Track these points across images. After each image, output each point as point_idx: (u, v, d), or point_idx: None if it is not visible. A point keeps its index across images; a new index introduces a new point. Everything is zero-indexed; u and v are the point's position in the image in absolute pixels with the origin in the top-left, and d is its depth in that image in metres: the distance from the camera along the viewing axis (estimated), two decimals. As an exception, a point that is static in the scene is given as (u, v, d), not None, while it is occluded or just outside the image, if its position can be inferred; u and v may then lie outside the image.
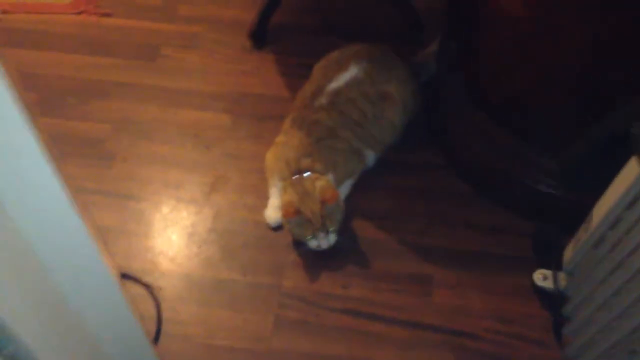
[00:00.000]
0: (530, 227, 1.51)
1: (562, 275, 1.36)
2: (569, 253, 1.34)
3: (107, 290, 0.97)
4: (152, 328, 1.40)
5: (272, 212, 1.53)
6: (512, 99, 1.45)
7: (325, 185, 1.43)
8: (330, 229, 1.43)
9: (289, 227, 1.45)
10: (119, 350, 1.09)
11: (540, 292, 1.40)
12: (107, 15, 1.93)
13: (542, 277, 1.40)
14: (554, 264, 1.38)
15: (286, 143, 1.53)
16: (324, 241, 1.44)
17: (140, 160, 1.66)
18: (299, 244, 1.48)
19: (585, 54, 1.24)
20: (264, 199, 1.56)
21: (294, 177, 1.46)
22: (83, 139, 1.69)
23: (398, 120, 1.58)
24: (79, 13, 1.93)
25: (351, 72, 1.55)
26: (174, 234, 1.54)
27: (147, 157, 1.66)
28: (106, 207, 1.58)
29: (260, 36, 1.86)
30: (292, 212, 1.40)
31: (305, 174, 1.46)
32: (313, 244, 1.44)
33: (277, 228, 1.53)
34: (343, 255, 1.49)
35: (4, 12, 1.93)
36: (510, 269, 1.47)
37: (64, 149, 1.66)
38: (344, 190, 1.55)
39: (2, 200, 0.77)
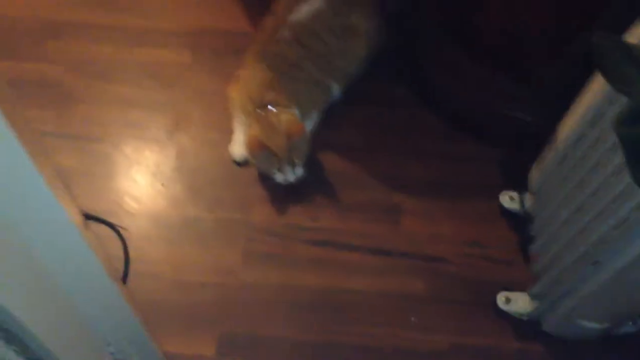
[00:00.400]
0: (499, 154, 1.51)
1: (528, 196, 1.37)
2: (534, 174, 1.34)
3: (66, 232, 0.95)
4: (121, 268, 1.38)
5: (237, 147, 1.51)
6: (482, 25, 1.42)
7: (291, 118, 1.41)
8: (297, 162, 1.41)
9: (255, 161, 1.43)
10: (82, 292, 1.08)
11: (507, 214, 1.41)
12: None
13: (508, 199, 1.40)
14: (520, 186, 1.38)
15: (249, 77, 1.49)
16: (291, 174, 1.43)
17: (99, 102, 1.61)
18: (265, 179, 1.46)
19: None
20: (228, 134, 1.53)
21: (258, 111, 1.43)
22: (39, 82, 1.64)
23: (362, 53, 1.55)
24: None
25: (313, 3, 1.51)
26: (137, 174, 1.52)
27: (106, 98, 1.62)
28: (67, 150, 1.54)
29: None
30: (257, 147, 1.38)
31: (270, 108, 1.43)
32: (280, 177, 1.43)
33: (243, 163, 1.51)
34: (311, 188, 1.48)
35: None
36: (478, 195, 1.47)
37: (19, 92, 1.60)
38: (310, 123, 1.53)
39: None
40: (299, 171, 1.43)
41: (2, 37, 1.70)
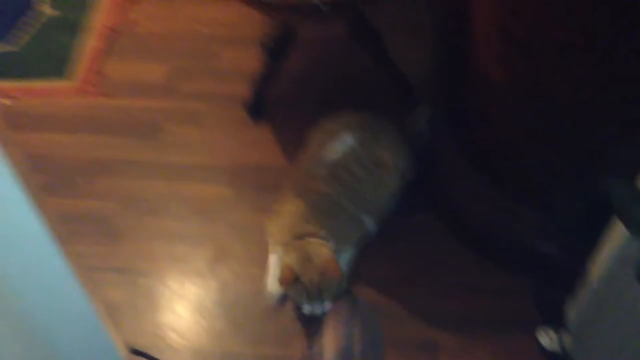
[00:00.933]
0: (531, 287, 1.54)
1: (566, 335, 1.38)
2: (570, 311, 1.36)
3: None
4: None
5: (273, 282, 1.56)
6: (508, 160, 1.49)
7: (329, 256, 1.46)
8: (325, 299, 1.46)
9: (284, 289, 1.48)
10: None
11: (547, 352, 1.41)
12: (110, 96, 2.00)
13: (547, 339, 1.41)
14: (557, 323, 1.40)
15: (287, 211, 1.57)
16: (318, 308, 1.47)
17: (146, 236, 1.70)
18: (299, 308, 1.51)
19: (573, 119, 1.29)
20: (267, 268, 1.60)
21: (296, 241, 1.49)
22: (91, 218, 1.74)
23: (394, 187, 1.63)
24: (83, 95, 2.00)
25: (345, 140, 1.61)
26: (181, 308, 1.58)
27: (153, 233, 1.71)
28: (114, 284, 1.62)
29: (258, 109, 1.93)
30: (289, 278, 1.43)
31: (309, 239, 1.49)
32: (307, 309, 1.47)
33: (281, 298, 1.56)
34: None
35: (13, 98, 2.01)
36: (514, 330, 1.49)
37: (73, 228, 1.71)
38: (345, 257, 1.58)
39: (8, 281, 0.81)
40: (327, 306, 1.47)
41: (58, 177, 1.82)
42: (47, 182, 1.81)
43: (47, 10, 2.25)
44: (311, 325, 1.52)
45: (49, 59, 2.10)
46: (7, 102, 2.01)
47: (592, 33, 1.12)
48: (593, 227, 1.26)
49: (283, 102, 1.95)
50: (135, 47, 2.13)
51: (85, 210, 1.76)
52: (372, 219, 1.62)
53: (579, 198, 1.40)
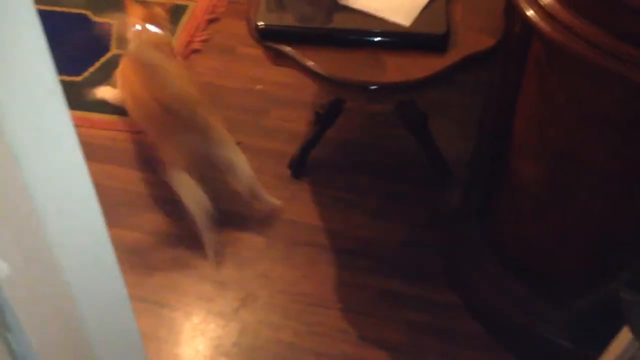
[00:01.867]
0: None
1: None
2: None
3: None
4: None
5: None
6: (527, 253, 1.56)
7: None
8: None
9: None
10: None
11: None
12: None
13: None
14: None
15: None
16: None
17: (177, 272, 1.79)
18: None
19: (596, 221, 1.36)
20: (290, 319, 1.66)
21: None
22: (128, 247, 1.84)
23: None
24: (138, 132, 2.13)
25: None
26: (201, 345, 1.64)
27: (184, 270, 1.79)
28: (141, 313, 1.69)
29: (299, 167, 2.03)
30: None
31: None
32: None
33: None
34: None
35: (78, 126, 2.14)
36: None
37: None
38: None
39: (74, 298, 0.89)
40: None
41: (105, 204, 1.92)
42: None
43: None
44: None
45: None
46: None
47: (627, 157, 1.20)
48: (604, 321, 1.30)
49: (324, 163, 2.06)
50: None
51: (124, 240, 1.85)
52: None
53: (592, 291, 1.45)
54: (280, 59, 1.49)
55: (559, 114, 1.27)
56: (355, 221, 1.91)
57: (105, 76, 2.26)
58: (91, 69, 2.36)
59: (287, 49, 1.45)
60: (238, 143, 1.82)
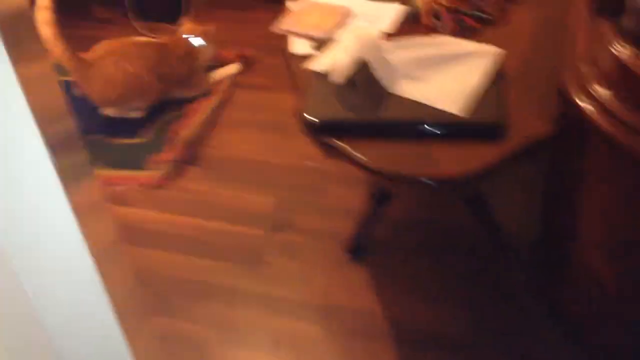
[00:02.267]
0: None
1: None
2: None
3: None
4: None
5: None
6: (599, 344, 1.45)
7: None
8: None
9: None
10: None
11: None
12: (213, 218, 2.12)
13: None
14: None
15: None
16: None
17: (234, 366, 1.74)
18: None
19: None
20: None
21: None
22: (183, 340, 1.80)
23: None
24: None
25: None
26: None
27: (241, 363, 1.75)
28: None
29: (358, 249, 1.96)
30: None
31: None
32: None
33: None
34: None
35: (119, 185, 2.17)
36: None
37: (169, 349, 1.77)
38: None
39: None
40: None
41: (157, 292, 1.92)
42: (148, 298, 1.90)
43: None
44: None
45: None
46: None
47: None
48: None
49: (383, 244, 1.98)
50: (243, 173, 2.26)
51: (178, 332, 1.82)
52: None
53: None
54: (331, 151, 1.44)
55: (624, 202, 1.17)
56: (419, 307, 1.82)
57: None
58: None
59: (338, 143, 1.40)
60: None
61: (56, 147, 1.02)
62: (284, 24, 1.68)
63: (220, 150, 2.37)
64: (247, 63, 2.71)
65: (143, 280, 1.93)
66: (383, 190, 1.88)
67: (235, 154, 2.34)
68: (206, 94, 2.58)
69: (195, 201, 2.19)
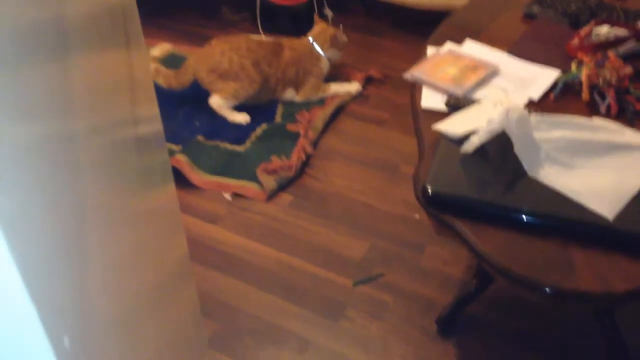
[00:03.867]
0: None
1: None
2: None
3: None
4: None
5: None
6: None
7: None
8: None
9: None
10: None
11: None
12: (302, 257, 1.97)
13: None
14: None
15: None
16: None
17: None
18: None
19: None
20: None
21: None
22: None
23: None
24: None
25: None
26: None
27: None
28: None
29: (449, 325, 1.76)
30: None
31: None
32: None
33: None
34: None
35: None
36: None
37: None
38: None
39: None
40: None
41: (229, 329, 1.78)
42: (216, 331, 1.77)
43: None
44: None
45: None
46: (228, 197, 2.15)
47: None
48: None
49: (479, 324, 1.77)
50: (340, 211, 2.10)
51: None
52: None
53: None
54: (445, 230, 1.26)
55: None
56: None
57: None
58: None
59: (457, 223, 1.21)
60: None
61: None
62: (418, 71, 1.51)
63: (319, 180, 2.22)
64: (370, 86, 2.57)
65: (209, 307, 1.81)
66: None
67: (335, 188, 2.19)
68: (319, 103, 2.46)
69: (283, 232, 2.05)
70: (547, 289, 1.14)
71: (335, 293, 1.87)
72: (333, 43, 2.46)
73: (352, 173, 2.24)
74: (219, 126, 2.37)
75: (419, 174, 1.30)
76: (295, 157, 2.22)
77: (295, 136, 2.31)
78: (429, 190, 1.24)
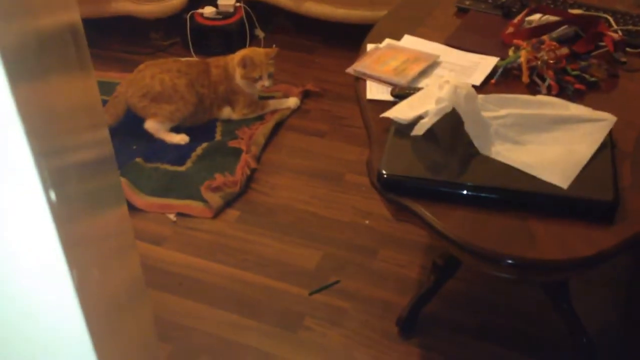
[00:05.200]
0: None
1: None
2: None
3: None
4: None
5: None
6: None
7: None
8: None
9: None
10: None
11: None
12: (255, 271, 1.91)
13: None
14: None
15: None
16: None
17: None
18: None
19: None
20: None
21: None
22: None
23: None
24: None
25: None
26: None
27: None
28: None
29: (409, 325, 1.74)
30: None
31: None
32: None
33: None
34: None
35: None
36: None
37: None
38: None
39: None
40: None
41: (184, 350, 1.70)
42: (171, 352, 1.69)
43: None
44: None
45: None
46: (173, 218, 2.08)
47: None
48: None
49: (439, 322, 1.75)
50: (289, 223, 2.06)
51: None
52: None
53: None
54: (404, 213, 1.24)
55: None
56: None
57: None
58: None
59: (415, 205, 1.20)
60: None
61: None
62: (361, 66, 1.50)
63: (265, 194, 2.18)
64: (308, 100, 2.55)
65: (162, 330, 1.72)
66: (447, 261, 1.67)
67: (282, 201, 2.15)
68: (259, 119, 2.43)
69: (232, 248, 1.99)
70: (510, 260, 1.14)
71: (292, 304, 1.82)
72: (246, 75, 2.38)
73: (298, 185, 2.21)
74: (157, 148, 2.31)
75: (371, 160, 1.28)
76: (240, 173, 2.18)
77: (237, 152, 2.27)
78: (384, 174, 1.23)
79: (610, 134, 1.26)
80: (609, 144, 1.24)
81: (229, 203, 2.12)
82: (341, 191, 2.18)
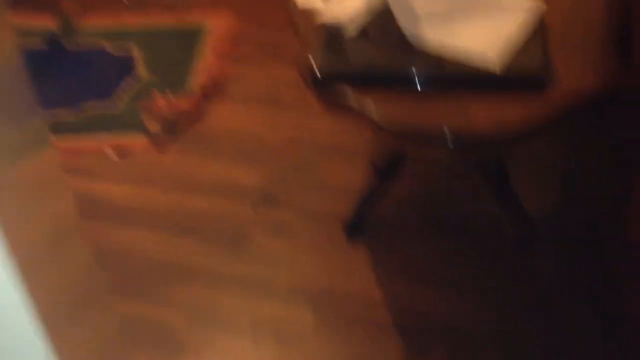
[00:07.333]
0: None
1: None
2: None
3: None
4: None
5: None
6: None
7: None
8: None
9: None
10: None
11: None
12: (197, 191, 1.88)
13: None
14: None
15: None
16: None
17: (211, 354, 1.52)
18: None
19: None
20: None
21: None
22: (156, 326, 1.57)
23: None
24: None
25: None
26: None
27: (219, 351, 1.52)
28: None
29: (355, 230, 1.75)
30: None
31: None
32: None
33: None
34: None
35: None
36: None
37: (135, 334, 1.54)
38: None
39: None
40: None
41: (128, 275, 1.68)
42: (115, 280, 1.66)
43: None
44: None
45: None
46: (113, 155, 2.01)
47: None
48: None
49: (384, 224, 1.76)
50: (230, 147, 2.02)
51: (151, 317, 1.59)
52: None
53: None
54: (336, 107, 1.22)
55: None
56: (424, 294, 1.60)
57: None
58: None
59: (348, 92, 1.18)
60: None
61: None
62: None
63: (204, 122, 2.12)
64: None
65: (110, 261, 1.69)
66: (388, 161, 1.67)
67: (221, 128, 2.09)
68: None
69: (173, 175, 1.95)
70: (447, 138, 1.14)
71: (236, 221, 1.81)
72: None
73: (236, 112, 2.15)
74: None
75: (302, 57, 1.25)
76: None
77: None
78: (316, 70, 1.20)
79: (538, 16, 1.26)
80: (537, 25, 1.24)
81: (168, 132, 2.07)
82: (279, 111, 2.14)
